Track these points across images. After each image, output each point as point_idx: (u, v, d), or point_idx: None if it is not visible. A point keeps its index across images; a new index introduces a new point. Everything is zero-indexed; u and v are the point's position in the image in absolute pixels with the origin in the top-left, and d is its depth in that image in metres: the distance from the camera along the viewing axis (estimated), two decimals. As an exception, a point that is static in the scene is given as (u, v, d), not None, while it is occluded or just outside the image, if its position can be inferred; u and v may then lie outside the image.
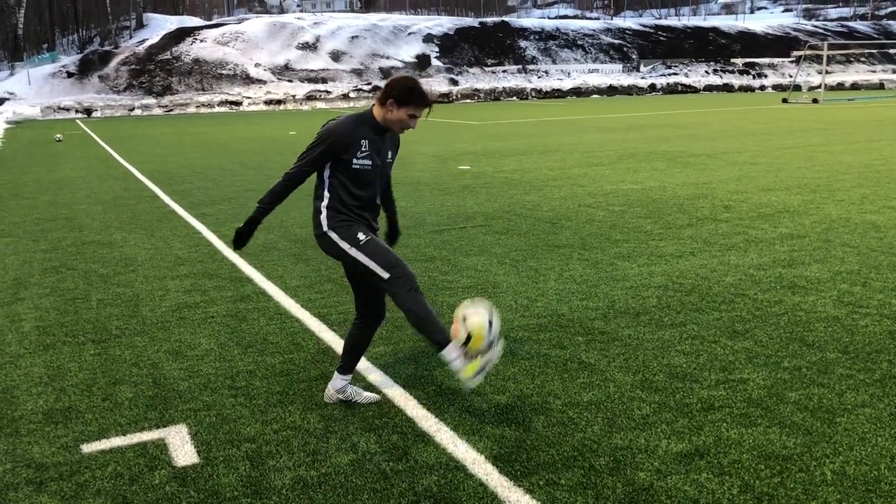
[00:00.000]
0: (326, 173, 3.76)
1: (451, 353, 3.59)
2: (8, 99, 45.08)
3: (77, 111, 44.66)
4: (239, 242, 3.80)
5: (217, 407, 4.06)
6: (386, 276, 3.67)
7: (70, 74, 49.93)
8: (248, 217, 3.76)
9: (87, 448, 3.64)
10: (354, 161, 3.68)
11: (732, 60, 62.93)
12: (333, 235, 3.75)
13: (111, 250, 7.99)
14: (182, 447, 3.62)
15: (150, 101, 47.36)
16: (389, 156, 3.87)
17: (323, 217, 3.78)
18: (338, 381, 4.03)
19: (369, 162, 3.71)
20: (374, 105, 3.75)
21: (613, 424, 3.71)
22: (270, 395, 4.18)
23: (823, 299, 5.57)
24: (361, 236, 3.71)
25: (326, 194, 3.77)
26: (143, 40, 55.81)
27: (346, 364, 4.03)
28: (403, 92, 3.63)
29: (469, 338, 3.52)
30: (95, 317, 5.70)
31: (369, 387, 4.25)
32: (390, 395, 4.14)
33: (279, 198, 3.77)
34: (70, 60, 52.40)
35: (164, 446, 3.64)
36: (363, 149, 3.69)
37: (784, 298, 5.62)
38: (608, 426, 3.69)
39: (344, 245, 3.73)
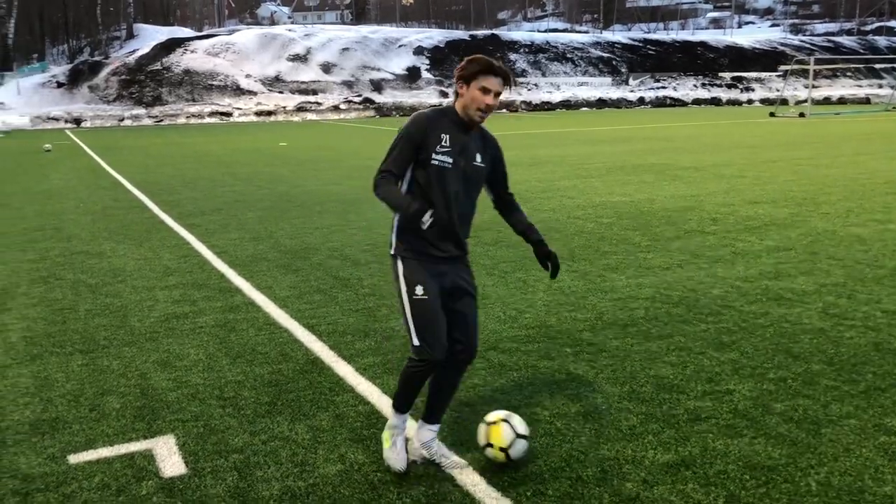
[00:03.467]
0: (408, 176, 3.33)
1: (394, 417, 3.50)
2: (-4, 108, 44.89)
3: (66, 121, 44.53)
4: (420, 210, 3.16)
5: (205, 417, 4.05)
6: (416, 342, 3.30)
7: (60, 84, 49.79)
8: (400, 203, 3.18)
9: (74, 459, 3.63)
10: (434, 157, 3.25)
11: (720, 74, 63.41)
12: (399, 266, 3.34)
13: (100, 261, 7.97)
14: (169, 458, 3.62)
15: (140, 111, 47.27)
16: (479, 158, 3.36)
17: (394, 235, 3.38)
18: (424, 432, 3.54)
19: (450, 160, 3.26)
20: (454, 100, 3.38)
21: (601, 435, 3.73)
22: (259, 406, 4.18)
23: (809, 311, 5.61)
24: (420, 291, 3.28)
25: None
26: (134, 51, 55.74)
27: (432, 412, 3.55)
28: (466, 66, 3.25)
29: (489, 443, 3.41)
30: (83, 327, 5.69)
31: (357, 397, 4.26)
32: (378, 405, 4.14)
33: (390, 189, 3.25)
34: (60, 70, 52.25)
35: (152, 457, 3.63)
36: (444, 143, 3.27)
37: (770, 310, 5.66)
38: (595, 437, 3.71)
39: (402, 285, 3.32)
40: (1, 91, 48.48)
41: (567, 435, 3.73)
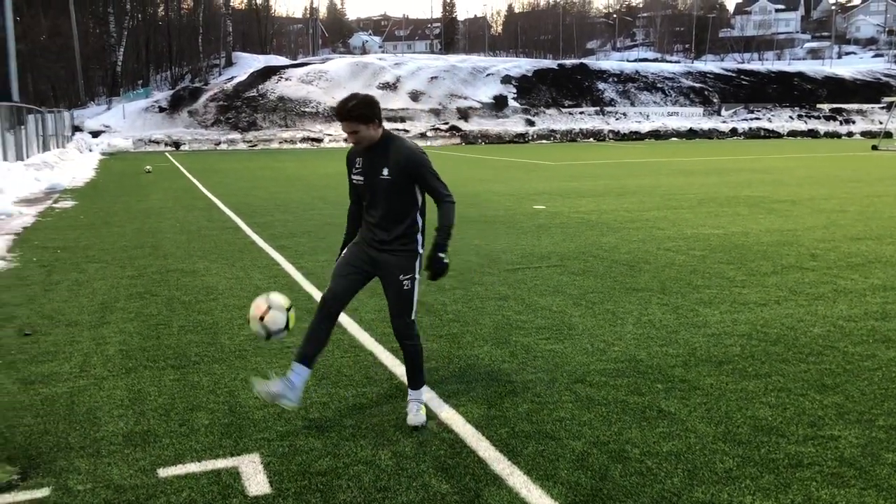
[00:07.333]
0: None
1: (298, 372, 4.22)
2: (104, 131, 47.28)
3: (166, 144, 46.53)
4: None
5: (290, 438, 4.07)
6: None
7: (162, 109, 52.13)
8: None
9: (164, 472, 3.69)
10: (351, 177, 4.25)
11: (818, 106, 61.32)
12: None
13: (194, 279, 8.20)
14: (255, 477, 3.63)
15: (236, 135, 48.97)
16: (385, 172, 4.08)
17: None
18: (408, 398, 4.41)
19: (361, 178, 4.17)
20: None
21: (695, 477, 3.55)
22: (343, 429, 4.17)
23: (921, 355, 5.26)
24: (340, 254, 4.39)
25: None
26: (232, 78, 57.92)
27: (408, 381, 4.42)
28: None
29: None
30: (176, 343, 5.84)
31: (441, 424, 4.20)
32: (463, 434, 4.07)
33: (354, 220, 4.40)
34: (162, 96, 54.74)
35: (238, 475, 3.66)
36: (357, 166, 4.20)
37: (877, 353, 5.34)
38: (689, 478, 3.54)
39: None
40: (108, 115, 51.09)
41: (658, 475, 3.57)
